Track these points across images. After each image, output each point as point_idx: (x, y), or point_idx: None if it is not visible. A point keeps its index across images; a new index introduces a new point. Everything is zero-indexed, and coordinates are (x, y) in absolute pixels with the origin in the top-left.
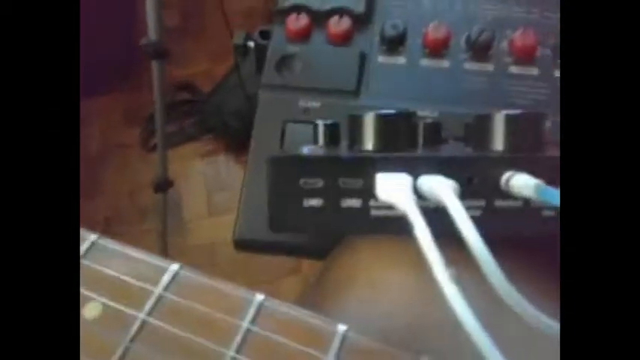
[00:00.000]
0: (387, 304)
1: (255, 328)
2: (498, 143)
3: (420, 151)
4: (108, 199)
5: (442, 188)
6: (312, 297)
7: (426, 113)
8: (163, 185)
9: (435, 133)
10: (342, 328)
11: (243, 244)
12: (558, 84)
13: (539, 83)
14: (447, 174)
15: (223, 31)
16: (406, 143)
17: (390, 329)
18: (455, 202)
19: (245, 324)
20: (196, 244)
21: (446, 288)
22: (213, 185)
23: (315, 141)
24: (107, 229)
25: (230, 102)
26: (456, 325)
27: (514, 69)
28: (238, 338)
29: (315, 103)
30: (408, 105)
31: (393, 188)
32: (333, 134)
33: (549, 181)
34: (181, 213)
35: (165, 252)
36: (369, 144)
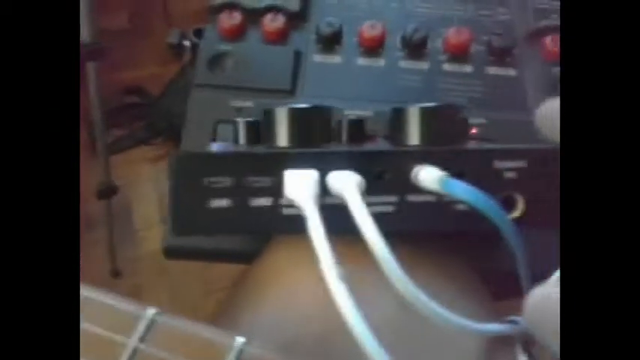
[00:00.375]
0: (302, 308)
1: (143, 346)
2: (413, 137)
3: (333, 145)
4: None
5: (345, 185)
6: (228, 307)
7: (360, 112)
8: (107, 192)
9: (358, 129)
10: (239, 341)
11: (172, 252)
12: (492, 81)
13: (473, 80)
14: (358, 169)
15: (169, 35)
16: (320, 139)
17: (304, 334)
18: (356, 199)
19: (133, 342)
20: (148, 253)
21: (332, 286)
22: (165, 191)
23: (236, 139)
24: None
25: (179, 105)
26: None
27: (448, 66)
28: (124, 358)
29: (248, 103)
30: (343, 104)
31: (297, 185)
32: (254, 132)
33: (461, 174)
34: (131, 220)
35: (113, 264)
36: (282, 139)
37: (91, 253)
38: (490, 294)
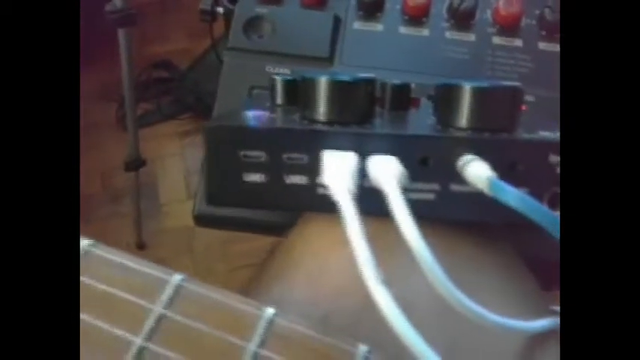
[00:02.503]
0: (334, 283)
1: (170, 313)
2: (462, 119)
3: (376, 122)
4: (80, 180)
5: (385, 175)
6: (260, 280)
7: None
8: (135, 164)
9: (403, 96)
10: (269, 312)
11: (203, 219)
12: (542, 57)
13: (523, 56)
14: (400, 153)
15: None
16: (362, 114)
17: (337, 309)
18: (396, 194)
19: (158, 308)
20: (172, 229)
21: (373, 289)
22: (191, 166)
23: (273, 100)
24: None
25: (208, 80)
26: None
27: (497, 39)
28: (150, 324)
29: (284, 69)
30: (383, 75)
31: (335, 172)
32: (292, 93)
33: (512, 166)
34: (157, 195)
35: (138, 236)
36: (320, 113)
37: (117, 224)
38: (537, 283)
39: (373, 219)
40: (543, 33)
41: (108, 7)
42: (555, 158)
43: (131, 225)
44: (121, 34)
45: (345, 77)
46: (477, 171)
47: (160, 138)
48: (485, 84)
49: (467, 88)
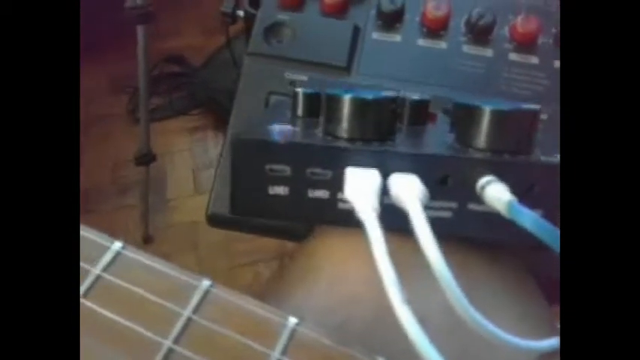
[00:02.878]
0: (349, 292)
1: (197, 317)
2: (480, 141)
3: (398, 140)
4: (88, 172)
5: (407, 194)
6: (280, 283)
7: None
8: (146, 158)
9: (421, 110)
10: (292, 321)
11: (216, 220)
12: (558, 75)
13: (539, 73)
14: (421, 172)
15: (218, 4)
16: (385, 131)
17: (355, 316)
18: (418, 213)
19: (186, 312)
20: (178, 224)
21: (397, 309)
22: (200, 162)
23: (294, 111)
24: (85, 203)
25: (220, 78)
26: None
27: (514, 56)
28: (178, 327)
29: (302, 76)
30: (399, 86)
31: (358, 189)
32: (313, 105)
33: (530, 188)
34: (165, 190)
35: (146, 230)
36: (343, 130)
37: (125, 217)
38: (546, 300)
39: (392, 234)
40: (559, 51)
41: (128, 3)
42: None
43: (138, 218)
44: (139, 30)
45: (369, 95)
46: (496, 193)
47: (170, 133)
48: (504, 106)
49: (487, 110)
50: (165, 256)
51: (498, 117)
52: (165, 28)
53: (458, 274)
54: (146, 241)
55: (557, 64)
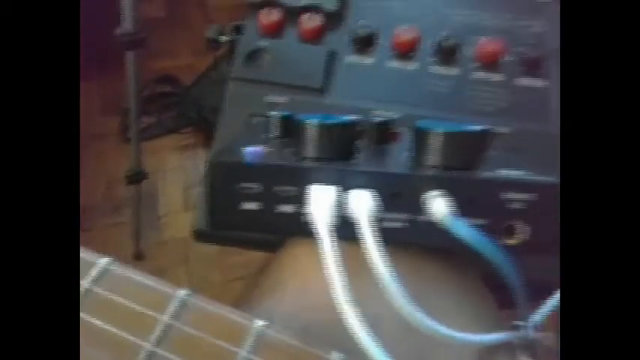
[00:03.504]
0: (314, 298)
1: (175, 323)
2: (431, 159)
3: (360, 157)
4: (81, 190)
5: (360, 208)
6: (252, 293)
7: (388, 113)
8: (137, 177)
9: (384, 131)
10: (258, 323)
11: (201, 235)
12: (520, 91)
13: (502, 89)
14: (376, 188)
15: (206, 27)
16: (345, 152)
17: (317, 320)
18: (366, 226)
19: (165, 318)
20: (170, 240)
21: (344, 309)
22: (190, 180)
23: (269, 132)
24: (81, 221)
25: (210, 97)
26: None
27: (478, 74)
28: (158, 332)
29: (281, 99)
30: (372, 105)
31: (316, 203)
32: (285, 127)
33: (471, 201)
34: (156, 206)
35: (137, 247)
36: (309, 151)
37: (117, 235)
38: (494, 302)
39: (353, 244)
40: (522, 69)
41: (119, 31)
42: (510, 195)
43: (130, 236)
44: (129, 56)
45: (331, 120)
46: (436, 207)
47: (161, 151)
48: (453, 128)
49: (435, 132)
50: (159, 272)
51: (446, 137)
52: (156, 49)
53: (414, 279)
54: (138, 258)
55: (521, 81)
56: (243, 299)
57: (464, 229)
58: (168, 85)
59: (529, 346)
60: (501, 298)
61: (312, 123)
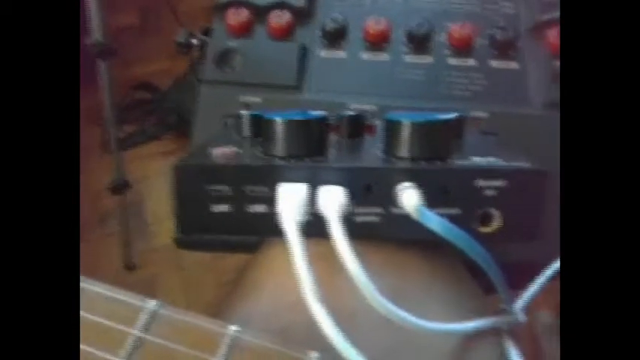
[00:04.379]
0: (292, 298)
1: (146, 335)
2: (401, 150)
3: (331, 153)
4: None
5: (329, 204)
6: (233, 294)
7: (365, 106)
8: (120, 187)
9: (357, 124)
10: (232, 329)
11: (182, 243)
12: (494, 74)
13: (477, 74)
14: (347, 183)
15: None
16: (315, 148)
17: (295, 320)
18: (336, 224)
19: (136, 332)
20: (160, 246)
21: (312, 307)
22: None
23: (240, 132)
24: None
25: (189, 101)
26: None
27: (452, 60)
28: (129, 346)
29: (256, 99)
30: (348, 99)
31: (285, 201)
32: (256, 126)
33: (444, 190)
34: (145, 215)
35: (127, 256)
36: (277, 149)
37: (105, 246)
38: (479, 288)
39: (326, 241)
40: (495, 52)
41: (88, 41)
42: (482, 182)
43: (119, 246)
44: (101, 65)
45: (297, 116)
46: (407, 199)
47: (145, 158)
48: (421, 118)
49: (405, 123)
50: (152, 279)
51: (415, 128)
52: (132, 56)
53: (394, 272)
54: (129, 268)
55: (493, 64)
56: (223, 305)
57: (434, 220)
58: (146, 91)
59: (515, 330)
60: (487, 283)
61: (278, 120)
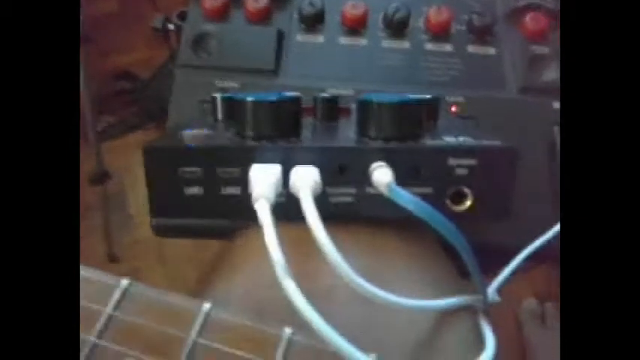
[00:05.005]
0: (267, 279)
1: (117, 313)
2: (374, 130)
3: (305, 134)
4: None
5: (302, 184)
6: (211, 275)
7: (342, 91)
8: (100, 178)
9: (332, 107)
10: (206, 306)
11: (160, 230)
12: (471, 59)
13: (454, 59)
14: (321, 164)
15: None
16: (287, 129)
17: (272, 297)
18: (309, 204)
19: (108, 310)
20: (144, 238)
21: (283, 283)
22: None
23: (215, 115)
24: None
25: (169, 88)
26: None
27: (429, 45)
28: (100, 324)
29: (233, 83)
30: (326, 83)
31: (259, 183)
32: (229, 109)
33: (416, 170)
34: (126, 207)
35: (110, 249)
36: (249, 130)
37: (88, 239)
38: (455, 270)
39: (304, 225)
40: (472, 37)
41: None
42: (453, 161)
43: (102, 238)
44: None
45: (270, 97)
46: (379, 177)
47: (127, 149)
48: (394, 98)
49: (377, 103)
50: (135, 272)
51: (387, 108)
52: (112, 46)
53: (370, 251)
54: (112, 260)
55: (470, 48)
56: (199, 286)
57: (405, 197)
58: (126, 81)
59: (490, 309)
60: (464, 268)
61: (249, 101)
